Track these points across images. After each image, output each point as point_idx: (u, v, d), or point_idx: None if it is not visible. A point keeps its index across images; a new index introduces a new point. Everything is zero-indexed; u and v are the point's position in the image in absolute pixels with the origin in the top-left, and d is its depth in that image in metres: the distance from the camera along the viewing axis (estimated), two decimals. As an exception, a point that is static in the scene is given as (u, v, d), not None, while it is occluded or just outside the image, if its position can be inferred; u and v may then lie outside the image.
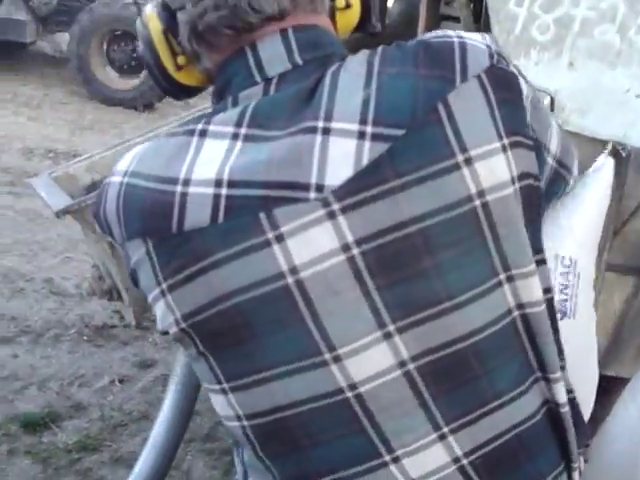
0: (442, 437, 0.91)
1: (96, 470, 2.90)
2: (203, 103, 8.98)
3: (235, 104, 0.94)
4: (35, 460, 2.93)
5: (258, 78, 0.95)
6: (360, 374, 0.89)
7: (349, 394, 0.89)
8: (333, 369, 0.89)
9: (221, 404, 0.97)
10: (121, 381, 3.53)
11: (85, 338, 3.87)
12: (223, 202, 0.88)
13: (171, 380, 2.09)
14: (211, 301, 0.90)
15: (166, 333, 0.96)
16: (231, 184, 0.88)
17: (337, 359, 0.89)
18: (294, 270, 0.88)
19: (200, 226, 0.89)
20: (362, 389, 0.89)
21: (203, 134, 0.92)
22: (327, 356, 0.89)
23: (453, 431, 0.91)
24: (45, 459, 2.94)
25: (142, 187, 0.92)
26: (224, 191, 0.88)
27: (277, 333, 0.89)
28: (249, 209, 0.88)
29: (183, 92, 1.09)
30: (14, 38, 8.78)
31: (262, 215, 0.87)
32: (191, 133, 0.93)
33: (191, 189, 0.89)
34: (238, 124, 0.91)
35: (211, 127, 0.92)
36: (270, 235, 0.87)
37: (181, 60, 1.03)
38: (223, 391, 0.95)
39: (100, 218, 0.98)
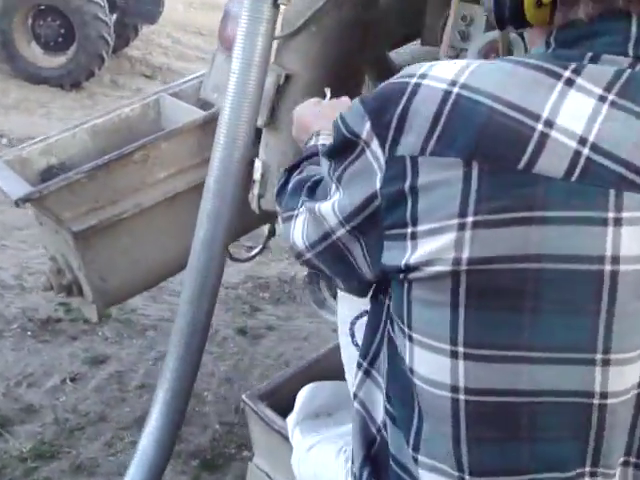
0: (625, 464, 0.91)
1: (56, 480, 2.68)
2: (131, 84, 8.70)
3: (593, 62, 0.88)
4: (-14, 471, 2.69)
5: (630, 52, 0.89)
6: (615, 385, 0.87)
7: (595, 401, 0.87)
8: (596, 371, 0.86)
9: (438, 367, 0.88)
10: (73, 380, 3.28)
11: (29, 333, 3.60)
12: (582, 162, 0.83)
13: (159, 386, 1.90)
14: (516, 256, 0.82)
15: (410, 269, 0.86)
16: (594, 148, 0.83)
17: (605, 363, 0.86)
18: (616, 260, 0.83)
19: (551, 175, 0.82)
20: (609, 401, 0.87)
21: (569, 83, 0.86)
22: (598, 356, 0.86)
23: (637, 466, 0.91)
24: (-2, 469, 2.70)
25: (486, 106, 0.84)
26: (586, 151, 0.84)
27: (564, 316, 0.84)
28: (603, 181, 0.83)
29: (516, 24, 1.01)
30: None
31: (612, 192, 0.83)
32: (554, 75, 0.86)
33: (553, 133, 0.83)
34: (607, 88, 0.86)
35: (579, 80, 0.86)
36: (611, 215, 0.83)
37: None
38: (453, 354, 0.87)
39: (385, 116, 0.87)
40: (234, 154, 1.75)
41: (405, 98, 0.86)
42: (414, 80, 0.88)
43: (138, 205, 2.51)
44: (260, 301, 4.41)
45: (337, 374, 1.67)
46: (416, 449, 0.94)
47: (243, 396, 1.67)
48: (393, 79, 0.91)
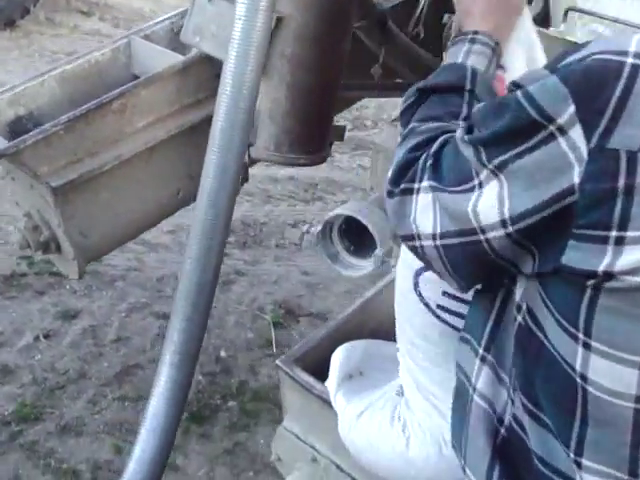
0: None
1: (43, 442, 2.60)
2: (68, 22, 8.31)
3: None
4: (-31, 437, 2.60)
5: None
6: None
7: None
8: None
9: (622, 378, 0.83)
10: (46, 336, 3.18)
11: (-6, 290, 3.48)
12: None
13: (166, 348, 1.83)
14: None
15: (609, 277, 0.79)
16: None
17: None
18: None
19: None
20: None
21: None
22: None
23: None
24: (-19, 435, 2.61)
25: None
26: None
27: None
28: None
29: None
30: None
31: None
32: None
33: None
34: None
35: None
36: None
37: None
38: (634, 364, 0.82)
39: (597, 101, 0.78)
40: (240, 104, 1.65)
41: (623, 82, 0.77)
42: (629, 60, 0.78)
43: (118, 156, 2.39)
44: (226, 245, 4.32)
45: (365, 333, 1.63)
46: (579, 454, 0.90)
47: (277, 361, 1.61)
48: (598, 55, 0.81)
